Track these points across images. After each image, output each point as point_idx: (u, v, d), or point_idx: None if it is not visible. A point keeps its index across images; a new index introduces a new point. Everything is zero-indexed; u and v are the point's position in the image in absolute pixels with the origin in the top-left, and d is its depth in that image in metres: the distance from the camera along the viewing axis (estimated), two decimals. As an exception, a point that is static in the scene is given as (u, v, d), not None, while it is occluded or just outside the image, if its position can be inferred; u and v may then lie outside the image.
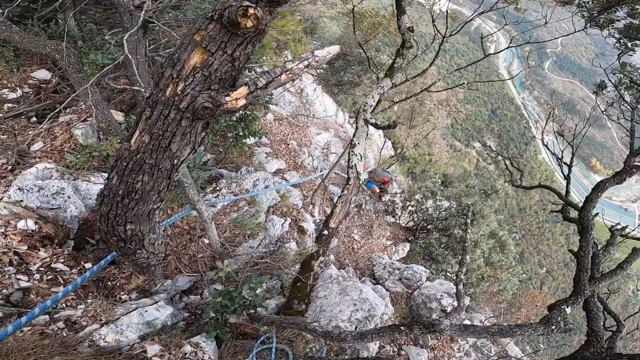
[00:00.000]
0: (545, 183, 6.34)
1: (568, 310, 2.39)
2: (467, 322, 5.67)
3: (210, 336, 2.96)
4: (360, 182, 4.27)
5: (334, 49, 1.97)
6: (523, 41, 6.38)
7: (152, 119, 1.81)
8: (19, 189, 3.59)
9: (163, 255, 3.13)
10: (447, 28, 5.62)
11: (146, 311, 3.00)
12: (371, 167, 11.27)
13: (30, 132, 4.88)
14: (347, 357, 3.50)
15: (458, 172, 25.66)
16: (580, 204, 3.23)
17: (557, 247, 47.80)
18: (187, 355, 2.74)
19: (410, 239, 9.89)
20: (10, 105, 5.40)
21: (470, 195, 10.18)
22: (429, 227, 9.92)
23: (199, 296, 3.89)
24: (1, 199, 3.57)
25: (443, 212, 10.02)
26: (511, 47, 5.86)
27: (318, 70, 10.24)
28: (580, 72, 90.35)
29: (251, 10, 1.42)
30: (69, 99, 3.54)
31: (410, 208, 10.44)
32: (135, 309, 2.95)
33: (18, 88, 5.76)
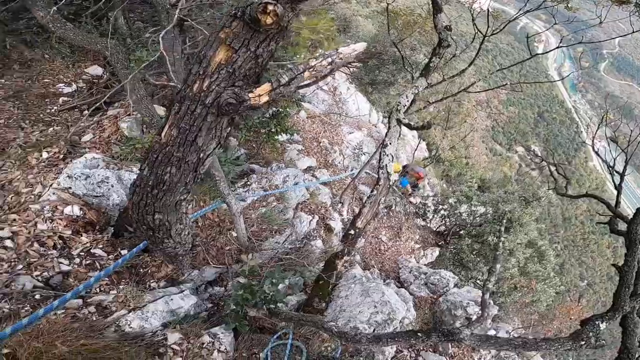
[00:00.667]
0: (595, 192, 5.90)
1: (602, 326, 2.22)
2: (492, 332, 5.41)
3: (229, 328, 3.04)
4: (391, 182, 4.19)
5: (360, 46, 1.94)
6: (575, 41, 5.95)
7: (180, 113, 1.89)
8: (68, 176, 3.87)
9: (190, 245, 3.25)
10: (488, 27, 5.36)
11: (171, 299, 3.12)
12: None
13: (82, 124, 5.25)
14: (361, 358, 3.46)
15: (497, 177, 24.50)
16: (631, 216, 2.98)
17: (602, 259, 44.36)
18: (204, 345, 2.83)
19: (440, 243, 9.59)
20: (65, 99, 5.85)
21: (509, 201, 9.67)
22: (461, 232, 9.56)
23: (223, 288, 4.01)
24: (51, 185, 3.87)
25: (478, 218, 9.61)
26: (561, 47, 5.46)
27: (351, 69, 10.15)
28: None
29: (270, 7, 1.44)
30: (110, 93, 3.75)
31: (442, 212, 10.11)
32: (161, 297, 3.09)
33: (73, 83, 6.22)
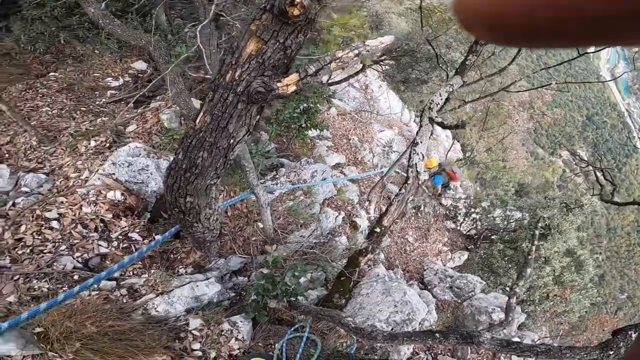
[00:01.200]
0: (645, 202, 5.48)
1: (634, 336, 2.08)
2: (517, 339, 5.19)
3: (248, 317, 3.12)
4: (421, 181, 4.12)
5: (388, 39, 1.93)
6: None
7: (214, 101, 2.01)
8: (112, 163, 4.14)
9: (218, 232, 3.38)
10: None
11: (197, 286, 3.23)
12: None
13: (126, 116, 5.63)
14: (375, 357, 3.44)
15: (537, 182, 23.25)
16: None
17: (645, 272, 41.13)
18: (223, 332, 2.91)
19: (469, 247, 9.28)
20: (112, 92, 6.30)
21: (549, 207, 9.18)
22: (493, 237, 9.20)
23: (246, 278, 4.12)
24: (97, 171, 4.16)
25: (512, 223, 9.20)
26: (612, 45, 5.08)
27: (384, 67, 10.00)
28: None
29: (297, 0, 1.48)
30: (151, 85, 3.96)
31: (474, 215, 9.78)
32: (188, 283, 3.20)
33: (120, 77, 6.68)
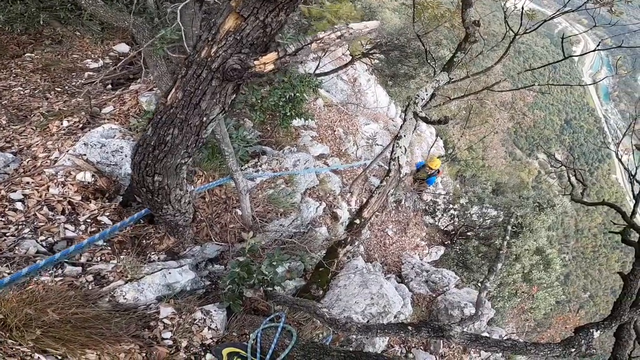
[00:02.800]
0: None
1: (596, 334, 2.17)
2: (486, 334, 5.38)
3: (223, 306, 3.05)
4: (401, 175, 4.13)
5: (373, 24, 1.89)
6: (616, 48, 5.64)
7: (187, 77, 1.95)
8: (84, 144, 3.96)
9: (191, 216, 3.27)
10: (520, 25, 5.12)
11: (169, 273, 3.12)
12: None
13: (104, 97, 5.42)
14: (350, 348, 3.48)
15: (513, 182, 23.95)
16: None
17: (608, 273, 43.66)
18: (196, 321, 2.83)
19: (446, 243, 9.50)
20: (90, 73, 6.06)
21: (522, 206, 9.48)
22: (469, 233, 9.44)
23: (223, 266, 4.04)
24: (68, 151, 3.97)
25: (488, 221, 9.46)
26: (599, 49, 5.18)
27: (373, 60, 9.96)
28: (680, 87, 78.45)
29: (280, -22, 1.42)
30: (131, 67, 3.78)
31: (452, 211, 9.98)
32: (160, 270, 3.08)
33: (100, 59, 6.44)
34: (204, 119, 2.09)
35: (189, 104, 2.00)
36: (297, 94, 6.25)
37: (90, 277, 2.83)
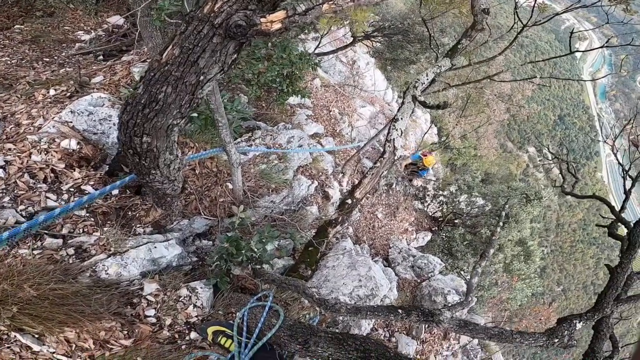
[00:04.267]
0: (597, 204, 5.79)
1: (579, 325, 2.22)
2: (468, 322, 5.55)
3: (209, 283, 2.99)
4: (396, 157, 4.10)
5: None
6: (624, 46, 5.58)
7: (186, 33, 1.84)
8: (71, 111, 3.78)
9: (180, 185, 3.14)
10: (530, 16, 4.99)
11: (155, 247, 3.00)
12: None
13: (94, 67, 5.21)
14: (337, 330, 3.53)
15: (502, 173, 24.23)
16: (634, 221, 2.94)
17: (582, 268, 45.39)
18: (180, 298, 2.76)
19: (433, 229, 9.63)
20: (81, 44, 5.84)
21: (510, 197, 9.62)
22: (456, 221, 9.57)
23: (211, 242, 3.98)
24: (53, 119, 3.79)
25: (475, 209, 9.58)
26: (606, 46, 5.10)
27: (375, 44, 9.73)
28: (677, 90, 79.07)
29: None
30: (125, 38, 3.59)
31: (441, 198, 10.07)
32: (145, 244, 2.96)
33: (92, 31, 6.22)
34: (201, 77, 1.98)
35: (186, 61, 1.88)
36: (296, 71, 6.10)
37: (71, 250, 2.69)
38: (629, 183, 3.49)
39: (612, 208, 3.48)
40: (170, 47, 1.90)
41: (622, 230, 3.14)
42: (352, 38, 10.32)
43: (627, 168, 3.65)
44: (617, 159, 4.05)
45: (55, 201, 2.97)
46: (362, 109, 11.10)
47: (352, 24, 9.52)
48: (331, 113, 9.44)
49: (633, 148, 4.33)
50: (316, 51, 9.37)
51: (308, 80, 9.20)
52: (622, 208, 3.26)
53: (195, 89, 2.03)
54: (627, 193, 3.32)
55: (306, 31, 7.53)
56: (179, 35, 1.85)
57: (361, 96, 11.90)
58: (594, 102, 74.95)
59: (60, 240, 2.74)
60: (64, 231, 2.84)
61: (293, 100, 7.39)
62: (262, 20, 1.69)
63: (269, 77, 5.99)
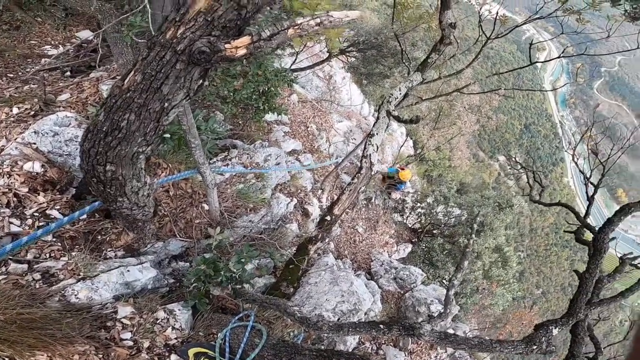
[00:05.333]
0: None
1: (555, 331, 2.27)
2: (451, 331, 5.57)
3: (188, 305, 2.91)
4: (373, 172, 4.14)
5: (354, 14, 1.83)
6: (578, 55, 5.96)
7: (148, 59, 1.80)
8: (34, 132, 3.63)
9: (151, 211, 3.06)
10: (493, 30, 5.27)
11: (128, 271, 2.92)
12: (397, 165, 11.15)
13: (60, 84, 5.03)
14: (322, 347, 3.45)
15: (476, 182, 25.03)
16: (599, 227, 3.06)
17: (559, 271, 47.08)
18: (158, 321, 2.68)
19: (413, 240, 9.73)
20: (48, 60, 5.63)
21: (484, 206, 9.91)
22: (435, 231, 9.73)
23: (188, 264, 3.86)
24: (16, 139, 3.61)
25: (452, 219, 9.79)
26: (563, 56, 5.44)
27: (350, 59, 9.95)
28: (631, 96, 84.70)
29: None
30: (93, 54, 3.51)
31: (419, 210, 10.24)
32: (117, 268, 2.87)
33: (60, 45, 6.03)
34: (166, 104, 1.93)
35: (149, 88, 1.84)
36: (272, 88, 6.12)
37: (37, 275, 2.59)
38: (591, 189, 3.65)
39: (577, 214, 3.62)
40: (132, 73, 1.85)
41: (589, 235, 3.27)
42: (328, 53, 10.53)
43: (588, 175, 3.82)
44: (579, 167, 4.24)
45: (19, 226, 2.84)
46: (339, 124, 11.24)
47: (327, 40, 9.72)
48: (309, 129, 9.49)
49: (593, 155, 4.55)
50: (293, 67, 9.47)
51: (285, 96, 9.25)
52: (587, 214, 3.40)
53: (160, 116, 1.98)
54: (590, 200, 3.47)
55: (282, 48, 7.62)
56: (141, 61, 1.81)
57: (338, 111, 12.07)
58: (555, 110, 79.31)
59: (25, 266, 2.65)
60: (29, 256, 2.74)
61: (270, 117, 7.40)
62: (227, 46, 1.67)
63: (245, 94, 5.98)
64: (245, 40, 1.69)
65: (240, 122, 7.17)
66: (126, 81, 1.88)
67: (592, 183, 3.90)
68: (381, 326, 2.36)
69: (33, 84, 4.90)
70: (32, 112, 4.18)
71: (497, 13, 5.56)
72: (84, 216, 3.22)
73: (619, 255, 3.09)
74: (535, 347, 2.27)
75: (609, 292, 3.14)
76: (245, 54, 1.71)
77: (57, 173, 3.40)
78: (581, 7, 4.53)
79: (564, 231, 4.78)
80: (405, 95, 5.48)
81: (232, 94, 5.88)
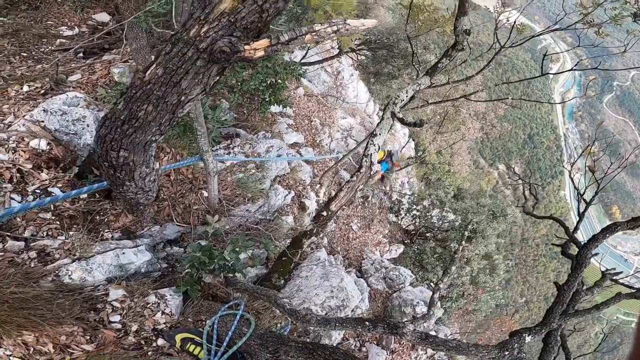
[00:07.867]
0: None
1: (528, 338, 2.37)
2: (433, 332, 5.71)
3: (179, 291, 2.95)
4: (373, 172, 4.22)
5: (370, 23, 1.89)
6: (593, 69, 5.88)
7: (171, 54, 1.86)
8: (43, 110, 3.66)
9: (154, 195, 3.12)
10: (508, 38, 5.26)
11: (123, 253, 2.94)
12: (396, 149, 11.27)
13: (72, 65, 5.07)
14: (308, 339, 3.56)
15: (473, 189, 25.15)
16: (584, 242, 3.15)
17: (544, 281, 47.68)
18: (148, 305, 2.71)
19: (406, 241, 9.86)
20: (63, 40, 5.67)
21: (479, 213, 10.03)
22: (427, 234, 9.85)
23: (183, 249, 3.92)
24: (24, 116, 3.66)
25: (446, 224, 9.92)
26: (575, 69, 5.42)
27: (359, 56, 9.96)
28: (639, 113, 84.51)
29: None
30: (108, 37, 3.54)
31: (415, 212, 10.35)
32: (112, 249, 2.90)
33: (76, 27, 6.03)
34: (183, 97, 2.01)
35: (169, 82, 1.92)
36: (279, 81, 6.16)
37: (33, 254, 2.61)
38: (583, 206, 3.74)
39: (566, 229, 3.71)
40: (154, 66, 1.92)
41: (575, 250, 3.37)
42: (338, 50, 10.52)
43: (582, 191, 3.90)
44: (573, 183, 4.31)
45: (19, 202, 2.87)
46: (343, 120, 11.28)
47: (340, 39, 9.73)
48: (312, 123, 9.53)
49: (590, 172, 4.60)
50: (302, 61, 9.47)
51: (291, 89, 9.27)
52: (576, 229, 3.50)
53: (176, 108, 2.06)
54: (581, 216, 3.56)
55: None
56: (163, 55, 1.88)
57: (343, 107, 12.09)
58: (561, 123, 79.07)
59: (22, 243, 2.65)
60: (27, 234, 2.75)
61: (275, 108, 7.44)
62: (246, 47, 1.73)
63: (252, 85, 6.02)
64: (264, 42, 1.76)
65: (245, 112, 7.22)
66: (147, 73, 1.95)
67: (584, 200, 3.98)
68: (367, 323, 2.46)
69: (46, 64, 4.93)
70: (42, 91, 4.23)
71: (514, 21, 5.52)
72: (85, 195, 3.27)
73: (602, 270, 3.20)
74: (507, 353, 2.37)
75: (589, 305, 3.24)
76: (263, 55, 1.79)
77: (62, 151, 3.45)
78: (603, 19, 4.46)
79: (552, 244, 4.87)
80: (412, 98, 5.53)
81: (239, 84, 5.92)
